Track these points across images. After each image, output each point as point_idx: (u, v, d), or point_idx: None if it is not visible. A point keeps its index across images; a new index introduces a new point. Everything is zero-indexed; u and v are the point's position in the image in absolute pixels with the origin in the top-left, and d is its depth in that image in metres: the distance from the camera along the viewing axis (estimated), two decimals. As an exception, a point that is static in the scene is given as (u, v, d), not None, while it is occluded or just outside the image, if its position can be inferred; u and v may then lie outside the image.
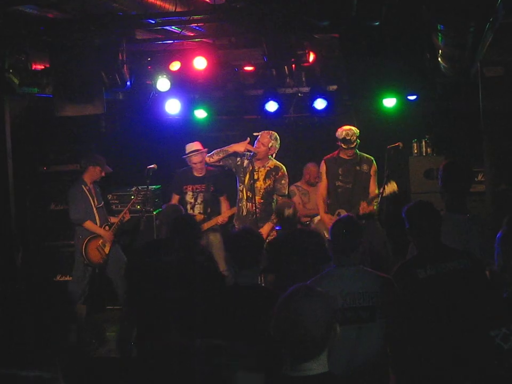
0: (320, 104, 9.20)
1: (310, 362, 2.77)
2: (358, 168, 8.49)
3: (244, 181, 8.51)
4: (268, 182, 8.55)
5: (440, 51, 6.81)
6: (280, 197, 8.56)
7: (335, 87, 9.67)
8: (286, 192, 8.71)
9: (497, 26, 5.45)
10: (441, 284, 4.59)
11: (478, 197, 8.54)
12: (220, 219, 8.96)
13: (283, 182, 8.59)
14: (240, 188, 8.61)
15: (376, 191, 8.40)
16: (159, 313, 4.87)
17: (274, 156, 8.65)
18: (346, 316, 4.28)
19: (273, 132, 8.62)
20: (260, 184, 8.54)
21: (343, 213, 8.10)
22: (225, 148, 8.63)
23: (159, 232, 8.65)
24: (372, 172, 8.51)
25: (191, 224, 5.43)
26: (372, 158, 8.56)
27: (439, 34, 5.87)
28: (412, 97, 9.17)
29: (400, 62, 6.22)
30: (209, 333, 4.26)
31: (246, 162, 8.59)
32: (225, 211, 9.04)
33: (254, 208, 8.40)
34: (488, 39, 6.03)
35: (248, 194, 8.51)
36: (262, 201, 8.55)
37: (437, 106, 10.18)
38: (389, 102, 8.93)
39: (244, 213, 8.51)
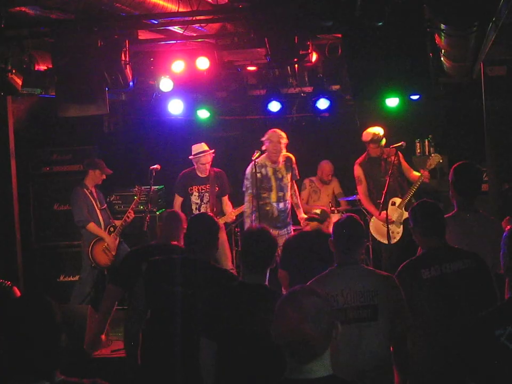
0: (323, 104, 9.22)
1: (313, 364, 2.75)
2: (389, 160, 8.91)
3: (271, 187, 8.64)
4: (289, 174, 8.77)
5: (443, 51, 6.80)
6: (292, 182, 8.85)
7: (337, 86, 9.68)
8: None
9: (499, 25, 5.44)
10: (446, 284, 4.59)
11: (481, 196, 8.52)
12: (230, 219, 9.04)
13: (295, 167, 8.89)
14: (267, 195, 8.67)
15: (418, 173, 8.94)
16: (167, 310, 4.86)
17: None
18: (348, 315, 4.28)
19: (271, 131, 8.71)
20: (286, 180, 8.76)
21: (398, 201, 8.81)
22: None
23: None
24: (400, 159, 9.03)
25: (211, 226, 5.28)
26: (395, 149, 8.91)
27: (442, 33, 5.87)
28: (415, 97, 9.15)
29: (403, 61, 6.21)
30: (211, 329, 4.26)
31: (264, 171, 8.69)
32: (232, 211, 9.09)
33: (285, 205, 8.70)
34: (491, 38, 6.02)
35: (280, 194, 8.69)
36: (289, 194, 8.81)
37: (439, 106, 10.18)
38: (392, 102, 8.92)
39: (275, 215, 8.64)
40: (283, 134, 8.68)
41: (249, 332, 4.18)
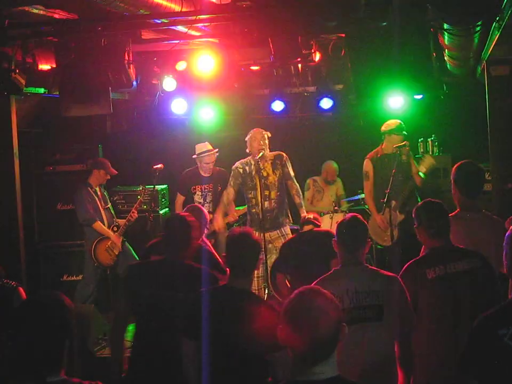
0: (326, 103, 9.23)
1: (320, 366, 2.75)
2: (399, 158, 8.58)
3: (255, 185, 8.44)
4: (277, 172, 8.55)
5: (446, 50, 6.81)
6: (290, 181, 8.60)
7: (341, 86, 9.66)
8: (293, 174, 8.69)
9: (503, 25, 5.45)
10: (450, 284, 4.58)
11: (485, 196, 8.53)
12: (232, 218, 8.97)
13: (289, 165, 8.62)
14: (252, 195, 8.56)
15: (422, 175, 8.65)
16: (150, 313, 4.87)
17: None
18: (353, 315, 4.28)
19: (254, 130, 8.62)
20: (272, 178, 8.54)
21: (393, 203, 8.42)
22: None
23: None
24: (411, 160, 8.74)
25: (184, 226, 5.26)
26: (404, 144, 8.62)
27: (445, 33, 5.87)
28: (418, 97, 9.15)
29: (406, 61, 6.23)
30: (194, 333, 4.24)
31: (248, 168, 8.60)
32: (234, 210, 9.05)
33: (271, 205, 8.46)
34: (494, 38, 6.03)
35: (266, 193, 8.48)
36: (278, 194, 8.55)
37: (443, 106, 10.17)
38: (395, 102, 8.92)
39: (261, 216, 8.33)
40: (266, 131, 8.55)
41: (234, 337, 4.16)
